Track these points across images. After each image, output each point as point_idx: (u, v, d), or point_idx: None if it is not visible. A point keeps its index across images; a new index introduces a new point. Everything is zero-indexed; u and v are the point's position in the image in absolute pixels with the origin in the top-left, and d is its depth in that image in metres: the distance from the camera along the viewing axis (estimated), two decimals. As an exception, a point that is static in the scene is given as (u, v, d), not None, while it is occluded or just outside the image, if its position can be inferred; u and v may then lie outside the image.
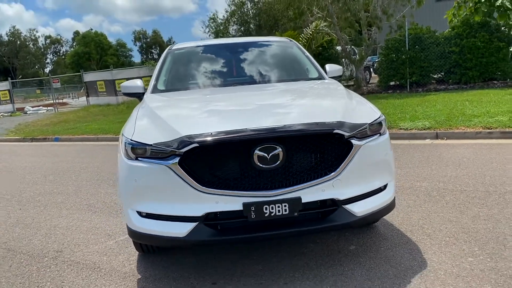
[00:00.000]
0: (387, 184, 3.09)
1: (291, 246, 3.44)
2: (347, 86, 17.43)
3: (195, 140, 2.65)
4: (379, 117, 3.09)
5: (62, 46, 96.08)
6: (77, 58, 73.70)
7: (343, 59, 16.58)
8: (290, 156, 2.73)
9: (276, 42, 4.78)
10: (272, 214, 2.69)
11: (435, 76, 14.87)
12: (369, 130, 2.96)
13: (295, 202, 2.71)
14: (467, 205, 4.07)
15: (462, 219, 3.71)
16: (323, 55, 15.85)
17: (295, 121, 2.79)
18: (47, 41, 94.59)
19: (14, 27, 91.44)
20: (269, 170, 2.69)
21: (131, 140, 2.88)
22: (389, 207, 3.11)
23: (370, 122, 2.97)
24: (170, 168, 2.68)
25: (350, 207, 2.85)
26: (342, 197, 2.82)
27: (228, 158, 2.73)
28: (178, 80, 4.23)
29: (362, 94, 15.60)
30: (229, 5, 18.57)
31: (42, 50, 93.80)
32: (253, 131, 2.67)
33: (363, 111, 3.16)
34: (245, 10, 17.89)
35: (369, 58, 17.53)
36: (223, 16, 19.21)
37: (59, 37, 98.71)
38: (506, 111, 8.55)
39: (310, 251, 3.34)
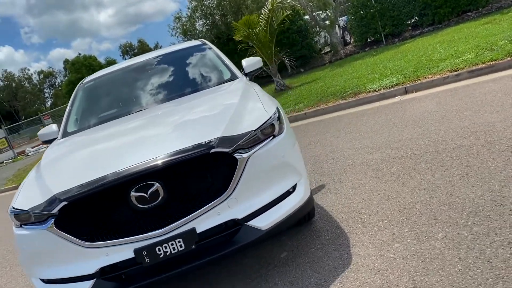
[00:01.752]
0: (295, 184, 2.88)
1: (228, 264, 3.27)
2: (325, 53, 17.05)
3: (64, 197, 2.49)
4: (269, 118, 2.86)
5: (56, 77, 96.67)
6: (72, 86, 74.06)
7: (315, 28, 16.14)
8: (173, 188, 2.54)
9: (187, 49, 4.54)
10: (168, 254, 2.52)
11: (409, 23, 14.36)
12: (260, 135, 2.75)
13: (189, 235, 2.54)
14: (411, 173, 3.82)
15: (402, 193, 3.48)
16: (292, 29, 15.45)
17: (169, 149, 2.58)
18: (40, 76, 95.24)
19: (5, 70, 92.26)
20: (153, 209, 2.52)
21: (12, 207, 2.74)
22: (303, 208, 2.91)
23: (256, 127, 2.75)
24: (49, 231, 2.53)
25: (253, 223, 2.66)
26: (241, 216, 2.62)
27: (106, 207, 2.56)
28: (87, 118, 4.05)
29: (340, 59, 15.23)
30: (190, 1, 18.15)
31: (38, 86, 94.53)
32: (122, 174, 2.48)
33: (253, 115, 2.94)
34: (207, 2, 17.51)
35: (344, 19, 17.01)
36: (186, 14, 18.81)
37: (51, 69, 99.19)
38: (473, 47, 8.15)
39: (242, 267, 3.17)
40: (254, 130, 2.73)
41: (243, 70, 4.29)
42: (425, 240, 2.70)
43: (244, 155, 2.62)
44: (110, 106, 4.05)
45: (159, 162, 2.49)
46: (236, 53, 13.50)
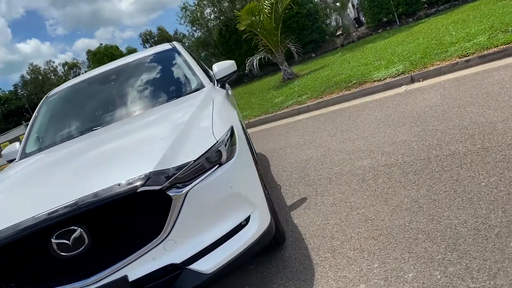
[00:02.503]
0: (249, 216, 2.56)
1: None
2: (337, 36, 16.36)
3: None
4: (215, 144, 2.52)
5: (79, 68, 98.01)
6: (95, 76, 74.98)
7: (325, 10, 15.50)
8: (99, 232, 2.26)
9: (154, 56, 4.22)
10: (97, 307, 2.25)
11: (424, 0, 13.57)
12: (205, 163, 2.43)
13: (120, 284, 2.25)
14: (396, 188, 3.43)
15: (382, 214, 3.10)
16: (301, 13, 14.88)
17: (93, 188, 2.29)
18: (65, 68, 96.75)
19: (31, 64, 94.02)
20: (78, 256, 2.24)
21: None
22: (260, 241, 2.59)
23: (197, 157, 2.42)
24: None
25: (196, 266, 2.36)
26: (180, 259, 2.32)
27: (27, 255, 2.30)
28: (45, 137, 3.79)
29: (352, 42, 14.59)
30: (196, -11, 17.70)
31: (64, 78, 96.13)
32: (39, 219, 2.20)
33: (197, 139, 2.60)
34: (214, -11, 17.05)
35: (357, 1, 16.28)
36: (194, 3, 18.38)
37: (75, 60, 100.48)
38: (487, 28, 7.53)
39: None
40: (194, 161, 2.40)
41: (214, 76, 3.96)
42: (393, 282, 2.34)
43: (181, 191, 2.30)
44: (67, 124, 3.78)
45: (80, 204, 2.20)
46: (245, 41, 13.06)
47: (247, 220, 2.54)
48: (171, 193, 2.28)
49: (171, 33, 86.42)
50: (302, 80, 10.84)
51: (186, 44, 16.45)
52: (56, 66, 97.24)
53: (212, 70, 4.54)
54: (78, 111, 3.88)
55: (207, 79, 3.79)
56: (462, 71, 6.48)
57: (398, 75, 7.38)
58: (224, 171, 2.48)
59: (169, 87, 3.74)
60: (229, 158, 2.55)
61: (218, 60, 17.89)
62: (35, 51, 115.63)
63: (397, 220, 2.94)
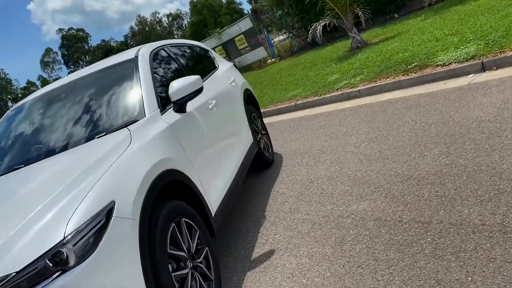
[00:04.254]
0: None
1: None
2: None
3: None
4: (55, 246, 1.89)
5: (182, 19, 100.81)
6: (195, 28, 76.51)
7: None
8: None
9: (110, 69, 3.59)
10: None
11: None
12: (39, 271, 1.85)
13: None
14: (374, 269, 2.54)
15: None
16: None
17: None
18: (169, 19, 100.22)
19: (139, 15, 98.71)
20: None
21: None
22: None
23: (23, 267, 1.83)
24: None
25: None
26: None
27: None
28: None
29: (441, 1, 12.42)
30: None
31: (168, 29, 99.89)
32: None
33: (40, 236, 1.96)
34: None
35: None
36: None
37: (178, 11, 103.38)
38: None
39: None
40: (17, 273, 1.82)
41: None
42: None
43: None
44: (5, 153, 3.37)
45: None
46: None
47: None
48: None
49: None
50: (367, 52, 9.48)
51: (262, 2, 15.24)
52: (161, 18, 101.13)
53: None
54: (16, 138, 3.46)
55: (155, 104, 3.11)
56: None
57: (467, 60, 5.94)
58: (67, 280, 1.86)
59: (96, 120, 3.12)
60: (84, 257, 1.92)
61: (292, 21, 16.72)
62: (146, 2, 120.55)
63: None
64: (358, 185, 3.72)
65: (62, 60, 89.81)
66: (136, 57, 3.53)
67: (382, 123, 5.16)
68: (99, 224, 2.02)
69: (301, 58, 13.94)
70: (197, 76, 3.34)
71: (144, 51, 3.65)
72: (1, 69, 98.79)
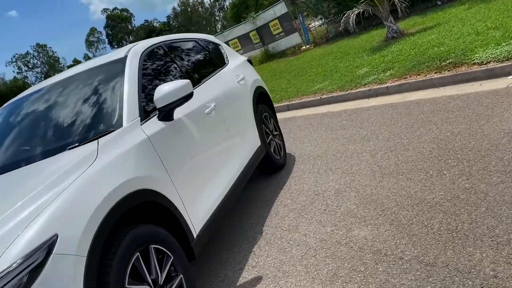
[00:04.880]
0: None
1: None
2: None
3: None
4: None
5: (224, 0, 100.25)
6: (236, 9, 75.92)
7: None
8: None
9: (97, 69, 3.34)
10: None
11: None
12: None
13: None
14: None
15: None
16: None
17: None
18: (211, 0, 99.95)
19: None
20: None
21: None
22: None
23: None
24: None
25: None
26: None
27: None
28: None
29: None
30: None
31: (210, 10, 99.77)
32: None
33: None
34: None
35: None
36: None
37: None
38: None
39: None
40: None
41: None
42: None
43: None
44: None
45: None
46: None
47: None
48: None
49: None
50: (402, 43, 8.84)
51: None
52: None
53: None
54: (10, 137, 3.26)
55: (136, 112, 2.84)
56: None
57: (508, 59, 5.34)
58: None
59: (71, 128, 2.88)
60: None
61: (329, 7, 16.01)
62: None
63: None
64: (365, 205, 3.34)
65: (106, 39, 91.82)
66: (125, 57, 3.27)
67: (405, 128, 4.71)
68: (35, 263, 1.79)
69: (334, 46, 13.35)
70: (187, 81, 3.04)
71: (135, 50, 3.37)
72: (50, 47, 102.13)
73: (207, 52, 4.52)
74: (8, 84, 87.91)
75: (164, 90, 2.92)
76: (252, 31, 18.95)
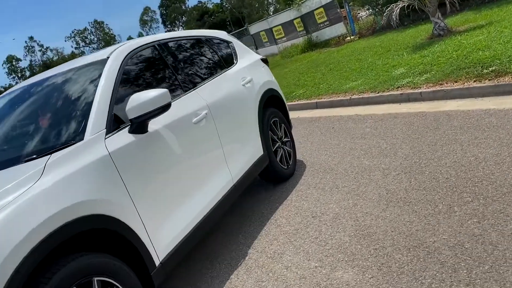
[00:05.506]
0: None
1: None
2: None
3: None
4: None
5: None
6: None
7: None
8: None
9: (80, 70, 3.12)
10: None
11: None
12: None
13: None
14: None
15: None
16: None
17: None
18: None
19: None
20: None
21: None
22: None
23: None
24: None
25: None
26: None
27: None
28: None
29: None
30: None
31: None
32: None
33: None
34: None
35: None
36: None
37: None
38: None
39: None
40: None
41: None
42: None
43: None
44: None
45: None
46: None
47: None
48: None
49: None
50: (446, 43, 8.10)
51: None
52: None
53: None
54: None
55: (103, 123, 2.60)
56: None
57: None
58: None
59: (31, 138, 2.68)
60: None
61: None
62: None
63: None
64: (359, 238, 2.97)
65: (160, 19, 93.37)
66: (107, 58, 3.03)
67: (427, 146, 4.23)
68: None
69: (379, 39, 12.62)
70: (164, 90, 2.76)
71: (119, 51, 3.12)
72: (106, 24, 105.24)
73: (211, 52, 4.21)
74: (66, 58, 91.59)
75: (138, 99, 2.67)
76: (296, 18, 18.36)
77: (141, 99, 2.66)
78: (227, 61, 4.33)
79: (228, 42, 4.58)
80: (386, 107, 6.40)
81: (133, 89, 2.99)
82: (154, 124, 2.85)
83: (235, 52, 4.52)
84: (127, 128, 2.70)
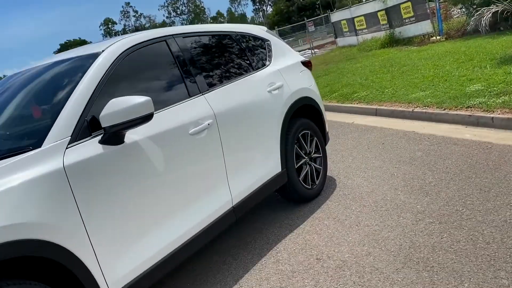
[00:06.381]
0: None
1: None
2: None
3: None
4: None
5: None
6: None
7: None
8: None
9: (68, 64, 2.82)
10: None
11: None
12: None
13: None
14: None
15: None
16: None
17: None
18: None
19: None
20: None
21: None
22: None
23: None
24: None
25: None
26: None
27: None
28: None
29: None
30: None
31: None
32: None
33: None
34: None
35: None
36: None
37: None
38: None
39: None
40: None
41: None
42: None
43: None
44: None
45: None
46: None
47: None
48: None
49: None
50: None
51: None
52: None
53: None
54: None
55: (69, 129, 2.30)
56: None
57: None
58: None
59: (23, 133, 2.43)
60: None
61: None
62: None
63: None
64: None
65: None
66: (100, 53, 2.70)
67: (479, 191, 3.51)
68: None
69: (465, 44, 11.31)
70: (146, 98, 2.39)
71: (117, 46, 2.78)
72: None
73: (239, 51, 3.75)
74: (157, 26, 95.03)
75: (115, 106, 2.33)
76: (380, 10, 17.15)
77: (118, 106, 2.31)
78: (258, 62, 3.86)
79: (264, 40, 4.09)
80: (449, 128, 5.58)
81: (122, 92, 2.64)
82: (134, 134, 2.50)
83: (269, 53, 4.03)
84: (99, 137, 2.37)
